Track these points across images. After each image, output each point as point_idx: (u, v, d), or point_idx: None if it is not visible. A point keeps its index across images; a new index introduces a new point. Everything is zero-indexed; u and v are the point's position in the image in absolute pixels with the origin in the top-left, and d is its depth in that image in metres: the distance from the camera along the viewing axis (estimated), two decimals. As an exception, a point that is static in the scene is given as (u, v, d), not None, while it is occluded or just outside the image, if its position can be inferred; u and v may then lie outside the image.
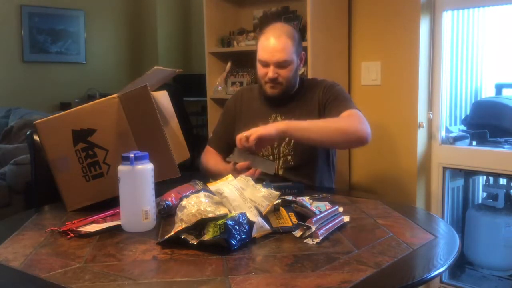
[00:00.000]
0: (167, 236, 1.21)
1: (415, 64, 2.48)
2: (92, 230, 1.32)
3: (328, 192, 1.69)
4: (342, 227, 1.34)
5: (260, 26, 2.90)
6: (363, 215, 1.47)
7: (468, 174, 2.78)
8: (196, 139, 4.92)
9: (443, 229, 1.37)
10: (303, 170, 1.92)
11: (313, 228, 1.24)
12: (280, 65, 1.86)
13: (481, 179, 2.87)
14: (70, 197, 1.55)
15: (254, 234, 1.22)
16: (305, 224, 1.26)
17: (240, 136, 1.68)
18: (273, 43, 1.86)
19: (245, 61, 3.03)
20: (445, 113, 2.62)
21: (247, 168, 1.68)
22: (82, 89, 5.58)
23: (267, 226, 1.27)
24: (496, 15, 2.89)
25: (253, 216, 1.24)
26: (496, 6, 2.59)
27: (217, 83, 3.11)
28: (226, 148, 1.95)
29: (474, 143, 2.65)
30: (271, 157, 1.94)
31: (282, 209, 1.35)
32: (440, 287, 2.60)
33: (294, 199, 1.43)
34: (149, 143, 1.48)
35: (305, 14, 2.58)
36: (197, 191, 1.34)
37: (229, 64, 3.12)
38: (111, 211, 1.42)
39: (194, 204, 1.22)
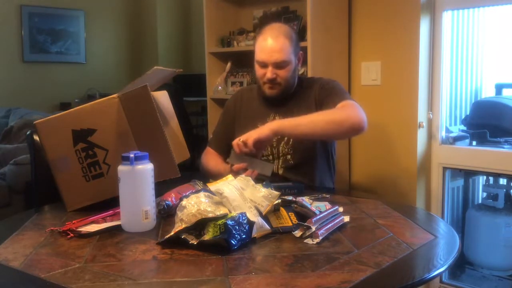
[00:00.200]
0: (167, 236, 1.21)
1: (415, 64, 2.48)
2: (92, 230, 1.32)
3: (328, 192, 1.69)
4: (342, 227, 1.34)
5: (260, 26, 2.89)
6: (363, 215, 1.47)
7: (468, 174, 2.78)
8: (196, 139, 4.93)
9: (443, 229, 1.37)
10: (303, 169, 1.92)
11: (313, 228, 1.24)
12: (279, 65, 1.87)
13: (481, 179, 2.87)
14: (70, 197, 1.55)
15: (254, 234, 1.22)
16: (305, 224, 1.26)
17: (237, 142, 1.68)
18: (271, 44, 1.86)
19: (245, 61, 3.03)
20: (445, 113, 2.62)
21: (244, 170, 1.69)
22: (82, 89, 5.58)
23: (267, 226, 1.27)
24: (496, 15, 2.88)
25: (253, 216, 1.24)
26: (496, 6, 2.59)
27: (217, 83, 3.11)
28: (226, 149, 1.95)
29: (474, 143, 2.65)
30: (271, 156, 1.94)
31: (282, 209, 1.35)
32: (440, 287, 2.60)
33: (294, 199, 1.43)
34: (149, 143, 1.48)
35: (305, 14, 2.58)
36: (197, 191, 1.34)
37: (229, 64, 3.12)
38: (111, 211, 1.42)
39: (194, 204, 1.22)
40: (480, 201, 2.86)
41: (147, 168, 1.32)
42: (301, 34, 2.68)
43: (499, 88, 2.94)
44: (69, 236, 1.29)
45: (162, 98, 1.78)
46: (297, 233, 1.26)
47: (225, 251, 1.15)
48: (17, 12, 5.24)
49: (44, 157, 1.55)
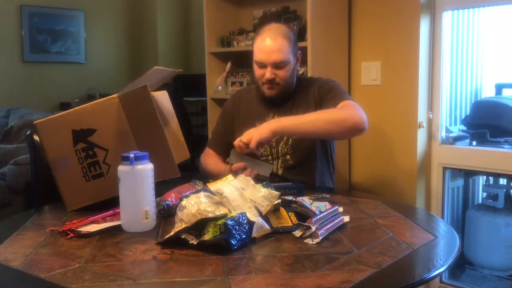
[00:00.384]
0: (167, 236, 1.21)
1: (415, 64, 2.48)
2: (92, 230, 1.32)
3: (328, 192, 1.69)
4: (342, 227, 1.34)
5: (260, 26, 2.90)
6: (363, 215, 1.47)
7: (468, 174, 2.78)
8: (196, 139, 4.92)
9: (443, 229, 1.37)
10: (302, 168, 1.92)
11: (313, 228, 1.24)
12: (277, 65, 1.87)
13: (481, 179, 2.87)
14: (70, 197, 1.55)
15: (254, 234, 1.22)
16: (305, 224, 1.26)
17: (238, 143, 1.68)
18: (269, 44, 1.86)
19: (245, 61, 3.03)
20: (445, 113, 2.62)
21: (244, 169, 1.69)
22: (82, 89, 5.58)
23: (267, 226, 1.27)
24: (496, 15, 2.88)
25: (253, 216, 1.24)
26: (496, 6, 2.59)
27: (217, 83, 3.11)
28: (226, 149, 1.96)
29: (474, 143, 2.65)
30: (270, 157, 1.94)
31: (282, 209, 1.35)
32: (440, 287, 2.60)
33: (294, 199, 1.43)
34: (149, 143, 1.49)
35: (305, 14, 2.58)
36: (197, 191, 1.34)
37: (229, 64, 3.12)
38: (111, 211, 1.42)
39: (194, 204, 1.22)
40: (480, 201, 2.86)
41: (147, 168, 1.32)
42: (301, 34, 2.68)
43: (499, 88, 2.93)
44: (69, 236, 1.29)
45: (162, 98, 1.78)
46: (297, 233, 1.26)
47: (225, 251, 1.15)
48: (17, 12, 5.23)
49: (44, 157, 1.55)
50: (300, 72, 2.63)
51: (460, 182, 2.80)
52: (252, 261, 1.13)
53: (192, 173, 1.86)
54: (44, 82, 5.40)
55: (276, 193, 1.32)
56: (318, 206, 1.41)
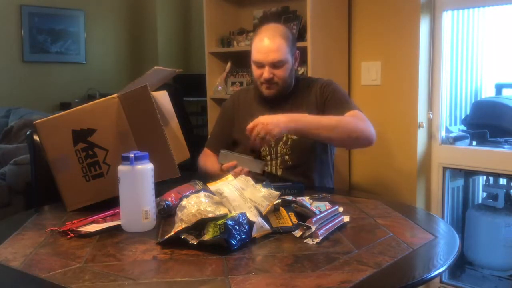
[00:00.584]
0: (167, 236, 1.21)
1: (415, 64, 2.48)
2: (92, 230, 1.32)
3: (328, 192, 1.69)
4: (342, 227, 1.34)
5: (259, 26, 2.90)
6: (363, 215, 1.47)
7: (468, 174, 2.78)
8: (196, 139, 4.92)
9: (443, 229, 1.37)
10: (302, 169, 1.92)
11: (313, 228, 1.24)
12: (275, 65, 1.87)
13: (481, 179, 2.87)
14: (70, 197, 1.55)
15: (254, 234, 1.22)
16: (305, 224, 1.26)
17: (254, 136, 1.67)
18: (267, 44, 1.86)
19: (245, 61, 3.00)
20: (445, 113, 2.62)
21: (234, 168, 1.69)
22: (82, 89, 5.58)
23: (267, 226, 1.27)
24: (496, 15, 2.88)
25: (253, 216, 1.24)
26: (496, 6, 2.59)
27: (217, 83, 3.11)
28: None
29: (474, 143, 2.64)
30: (268, 157, 1.94)
31: (282, 209, 1.35)
32: (440, 287, 2.60)
33: (294, 199, 1.43)
34: (149, 143, 1.49)
35: (305, 14, 2.58)
36: (197, 191, 1.34)
37: (229, 64, 3.12)
38: (111, 211, 1.42)
39: (194, 204, 1.22)
40: (480, 201, 2.86)
41: (147, 168, 1.32)
42: (301, 34, 2.68)
43: (499, 88, 2.93)
44: (69, 236, 1.29)
45: (162, 98, 1.78)
46: (297, 233, 1.26)
47: (225, 251, 1.15)
48: (17, 12, 5.23)
49: (44, 157, 1.56)
50: (300, 72, 2.63)
51: (460, 182, 2.80)
52: (252, 261, 1.13)
53: (192, 173, 1.86)
54: (44, 82, 5.40)
55: (276, 193, 1.32)
56: (318, 206, 1.41)
